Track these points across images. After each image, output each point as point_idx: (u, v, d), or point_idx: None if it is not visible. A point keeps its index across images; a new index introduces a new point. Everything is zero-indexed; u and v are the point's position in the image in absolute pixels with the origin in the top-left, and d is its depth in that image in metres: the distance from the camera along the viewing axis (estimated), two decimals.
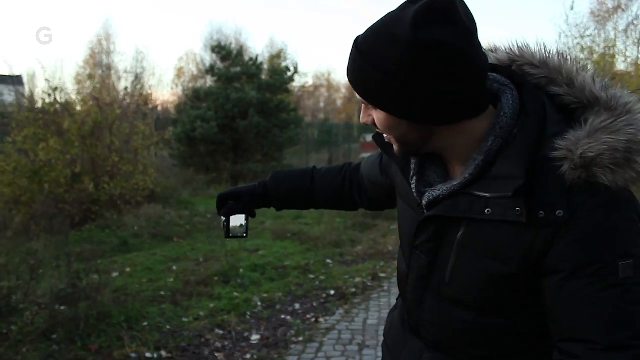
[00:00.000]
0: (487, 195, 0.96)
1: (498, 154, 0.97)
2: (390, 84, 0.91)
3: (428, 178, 1.11)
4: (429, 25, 0.86)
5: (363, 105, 1.03)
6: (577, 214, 0.90)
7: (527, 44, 1.06)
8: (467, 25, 0.89)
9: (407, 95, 0.91)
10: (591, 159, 0.89)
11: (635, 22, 13.96)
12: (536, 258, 0.94)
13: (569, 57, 1.02)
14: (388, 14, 0.94)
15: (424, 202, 1.09)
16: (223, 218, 1.56)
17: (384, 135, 1.08)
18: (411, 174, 1.12)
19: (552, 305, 0.96)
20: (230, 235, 1.55)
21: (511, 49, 1.07)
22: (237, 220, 1.55)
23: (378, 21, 0.95)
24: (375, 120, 1.01)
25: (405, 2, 0.92)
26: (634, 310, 0.90)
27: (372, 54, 0.92)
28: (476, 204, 0.98)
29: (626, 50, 14.12)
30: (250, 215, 1.58)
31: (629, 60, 13.99)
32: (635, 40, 14.06)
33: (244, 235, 1.55)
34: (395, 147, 1.06)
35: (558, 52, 1.03)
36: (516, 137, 0.96)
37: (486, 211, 0.97)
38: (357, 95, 1.00)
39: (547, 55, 1.03)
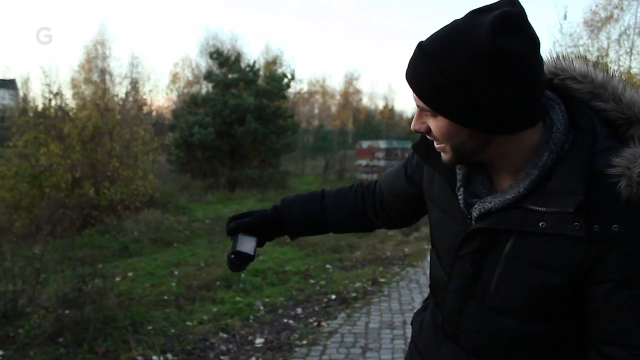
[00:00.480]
0: (544, 209, 0.96)
1: (552, 169, 0.98)
2: (458, 91, 0.91)
3: (474, 189, 1.11)
4: (506, 35, 0.87)
5: (417, 111, 1.02)
6: (631, 229, 0.92)
7: (567, 56, 1.07)
8: (535, 36, 0.91)
9: (475, 103, 0.91)
10: None
11: (627, 31, 14.18)
12: (587, 269, 0.96)
13: (613, 73, 1.03)
14: (454, 21, 0.94)
15: (474, 214, 1.08)
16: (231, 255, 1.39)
17: (435, 144, 1.06)
18: (458, 185, 1.12)
19: (597, 311, 0.99)
20: (237, 249, 1.37)
21: (553, 61, 1.08)
22: (246, 241, 1.41)
23: (445, 27, 0.95)
24: (433, 127, 1.01)
25: (472, 11, 0.93)
26: None
27: (441, 59, 0.91)
28: (530, 217, 0.99)
29: (619, 59, 14.32)
30: (259, 241, 1.44)
31: (621, 69, 14.17)
32: (627, 50, 14.27)
33: (252, 254, 1.38)
34: (446, 156, 1.05)
35: (601, 67, 1.04)
36: (568, 152, 0.98)
37: (540, 224, 0.97)
38: (417, 102, 0.99)
39: (590, 69, 1.04)
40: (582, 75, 1.04)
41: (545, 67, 1.04)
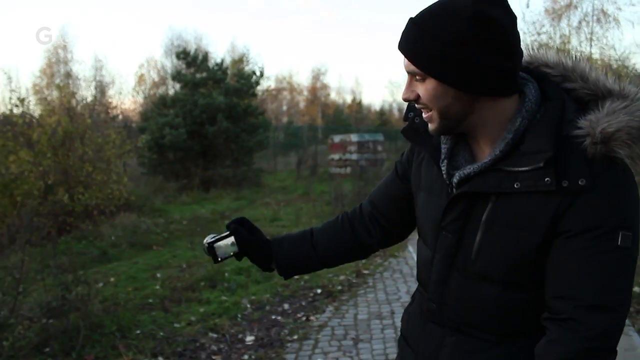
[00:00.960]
0: (518, 169, 1.05)
1: (525, 134, 1.07)
2: (445, 51, 1.01)
3: (456, 163, 1.18)
4: (487, 3, 1.00)
5: (407, 80, 1.11)
6: (596, 182, 1.00)
7: (542, 47, 1.19)
8: (513, 12, 1.05)
9: (460, 62, 1.01)
10: (610, 134, 1.00)
11: (586, 18, 14.47)
12: (557, 223, 1.03)
13: (581, 59, 1.14)
14: None
15: (454, 180, 1.15)
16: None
17: (423, 114, 1.14)
18: (442, 158, 1.19)
19: (553, 263, 1.05)
20: (211, 242, 1.40)
21: (528, 51, 1.18)
22: (228, 246, 1.42)
23: (435, 3, 1.07)
24: (422, 92, 1.08)
25: None
26: (623, 278, 1.02)
27: (432, 26, 1.03)
28: (505, 178, 1.06)
29: (580, 45, 14.62)
30: (238, 251, 1.42)
31: (583, 56, 14.40)
32: (587, 36, 14.57)
33: (218, 259, 1.41)
34: (433, 125, 1.12)
35: (571, 55, 1.15)
36: (540, 119, 1.07)
37: (515, 185, 1.05)
38: (407, 68, 1.08)
39: (560, 57, 1.15)
40: (554, 63, 1.15)
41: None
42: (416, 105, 1.14)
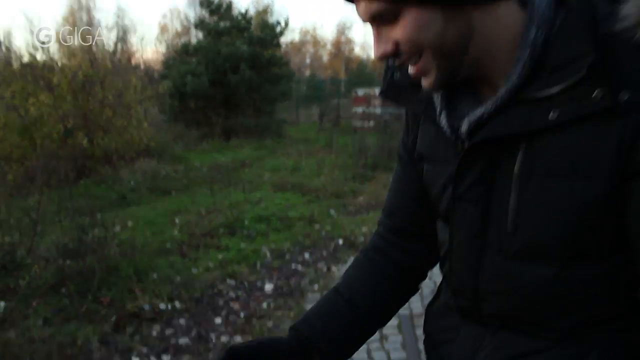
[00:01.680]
0: (550, 91, 0.73)
1: (546, 47, 0.75)
2: None
3: (458, 113, 0.86)
4: None
5: (374, 32, 0.81)
6: None
7: None
8: None
9: None
10: None
11: None
12: (627, 158, 0.71)
13: None
14: None
15: (462, 131, 0.83)
16: None
17: (411, 70, 0.82)
18: (438, 111, 0.87)
19: (638, 218, 0.72)
20: None
21: None
22: None
23: None
24: (402, 33, 0.78)
25: None
26: None
27: None
28: (535, 110, 0.74)
29: None
30: None
31: None
32: None
33: None
34: (429, 77, 0.81)
35: None
36: (562, 24, 0.75)
37: (550, 115, 0.73)
38: (368, 14, 0.79)
39: None
40: None
41: None
42: (397, 60, 0.82)
